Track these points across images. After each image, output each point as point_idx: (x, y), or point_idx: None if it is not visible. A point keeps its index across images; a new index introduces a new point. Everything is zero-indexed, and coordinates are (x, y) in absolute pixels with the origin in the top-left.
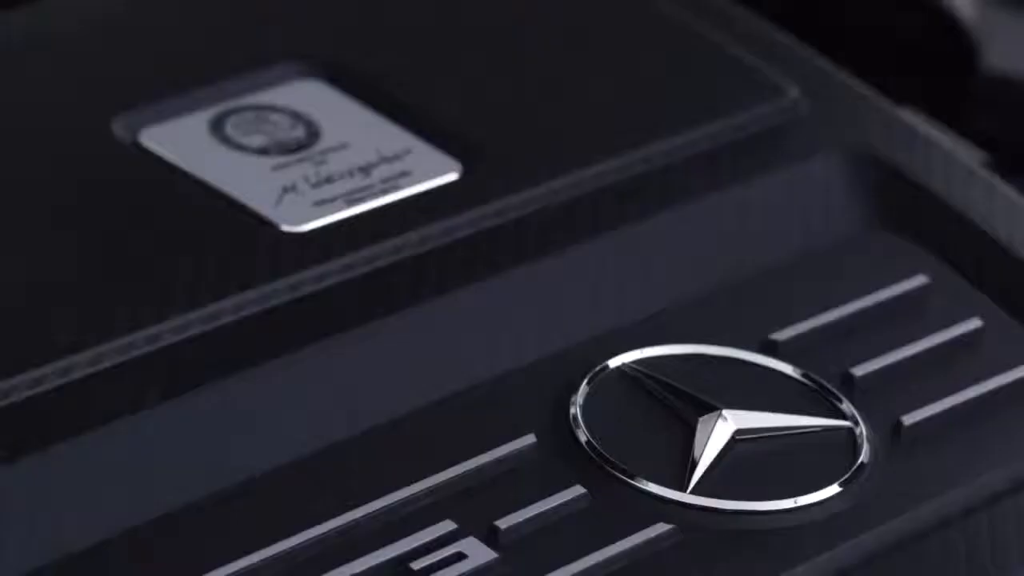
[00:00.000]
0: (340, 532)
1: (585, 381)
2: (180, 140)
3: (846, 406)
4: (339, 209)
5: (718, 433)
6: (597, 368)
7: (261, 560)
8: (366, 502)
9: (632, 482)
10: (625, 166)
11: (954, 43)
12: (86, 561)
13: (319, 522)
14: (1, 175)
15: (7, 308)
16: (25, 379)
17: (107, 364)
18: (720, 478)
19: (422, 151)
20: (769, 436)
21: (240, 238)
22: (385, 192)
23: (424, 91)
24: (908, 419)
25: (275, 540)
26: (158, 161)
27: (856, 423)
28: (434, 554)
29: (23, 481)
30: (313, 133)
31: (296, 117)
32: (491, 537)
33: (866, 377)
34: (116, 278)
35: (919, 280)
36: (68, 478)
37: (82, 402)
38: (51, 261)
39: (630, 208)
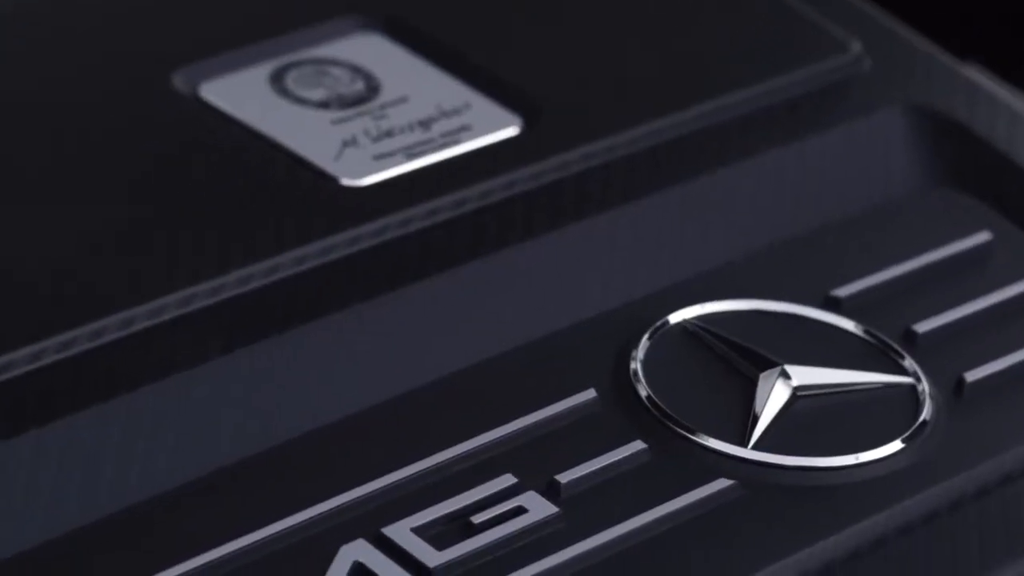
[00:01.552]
0: (401, 486)
1: (646, 336)
2: (240, 93)
3: (908, 362)
4: (399, 163)
5: (779, 389)
6: (658, 323)
7: (322, 513)
8: (427, 456)
9: (693, 437)
10: (686, 121)
11: None
12: (153, 508)
13: (381, 475)
14: (63, 128)
15: (69, 260)
16: (86, 331)
17: (168, 317)
18: (781, 434)
19: (482, 106)
20: (831, 392)
21: (300, 192)
22: (445, 146)
23: (484, 45)
24: (971, 376)
25: (337, 492)
26: (218, 115)
27: (918, 380)
28: (494, 508)
29: (95, 429)
30: (373, 87)
31: (356, 71)
32: (551, 491)
33: (928, 334)
34: (176, 231)
35: (982, 236)
36: (129, 430)
37: (144, 354)
38: (111, 214)
39: (691, 163)
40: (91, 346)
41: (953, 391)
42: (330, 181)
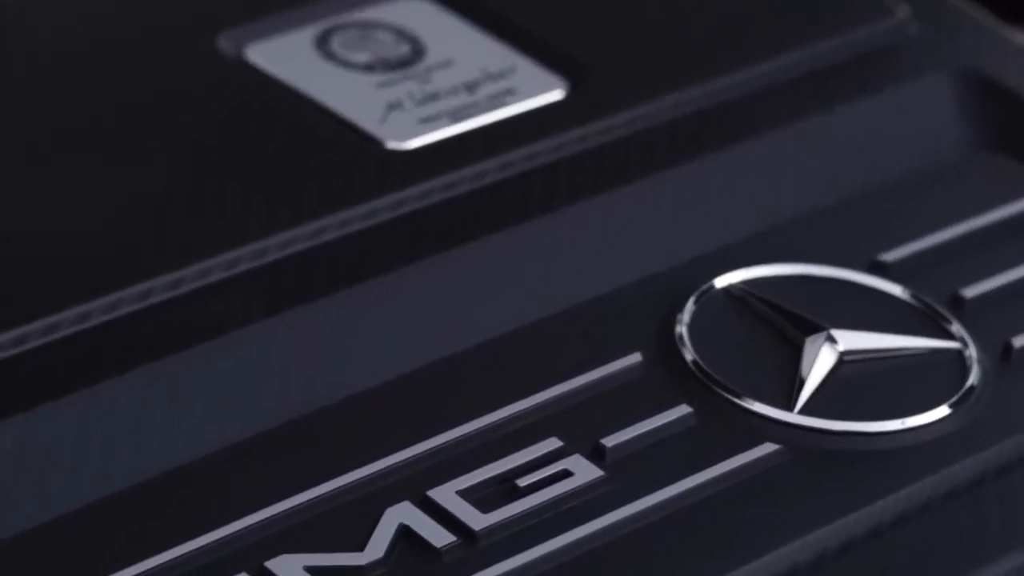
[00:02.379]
0: (447, 448)
1: (691, 300)
2: (285, 56)
3: (955, 327)
4: (444, 126)
5: (825, 354)
6: (703, 288)
7: (367, 475)
8: (473, 419)
9: (738, 402)
10: (732, 85)
11: None
12: (200, 470)
13: (427, 438)
14: (109, 92)
15: (115, 223)
16: (133, 293)
17: (213, 279)
18: (827, 399)
19: (527, 69)
20: (877, 357)
21: (345, 155)
22: (490, 110)
23: (530, 8)
24: (1018, 341)
25: (382, 455)
26: (263, 77)
27: (965, 345)
28: (540, 471)
29: (142, 390)
30: (418, 50)
31: (401, 34)
32: (597, 455)
33: (976, 298)
34: (221, 194)
35: None
36: (175, 392)
37: (189, 317)
38: (156, 177)
39: (737, 127)
40: (138, 308)
41: (1000, 356)
42: (375, 144)
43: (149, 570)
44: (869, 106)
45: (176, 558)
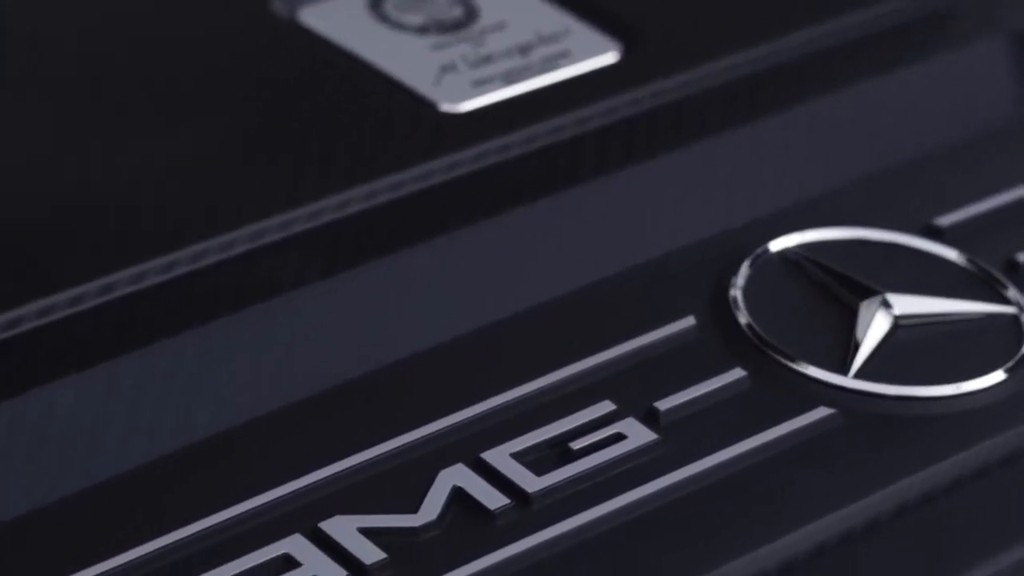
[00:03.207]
0: (500, 411)
1: (745, 264)
2: (339, 18)
3: (1012, 292)
4: (497, 89)
5: (880, 318)
6: (758, 251)
7: (422, 437)
8: (527, 382)
9: (793, 365)
10: (787, 49)
11: None
12: (256, 430)
13: (481, 400)
14: (163, 55)
15: (170, 185)
16: (187, 254)
17: (267, 241)
18: (882, 363)
19: (581, 32)
20: (932, 322)
21: (399, 117)
22: (544, 72)
23: None
24: None
25: (437, 417)
26: (317, 40)
27: (1021, 309)
28: (593, 434)
29: (200, 348)
30: (471, 12)
31: None
32: (650, 418)
33: None
34: (275, 156)
35: None
36: (232, 352)
37: (244, 278)
38: (209, 140)
39: (792, 91)
40: (193, 268)
41: None
42: (428, 107)
43: (206, 529)
44: (925, 69)
45: (231, 519)
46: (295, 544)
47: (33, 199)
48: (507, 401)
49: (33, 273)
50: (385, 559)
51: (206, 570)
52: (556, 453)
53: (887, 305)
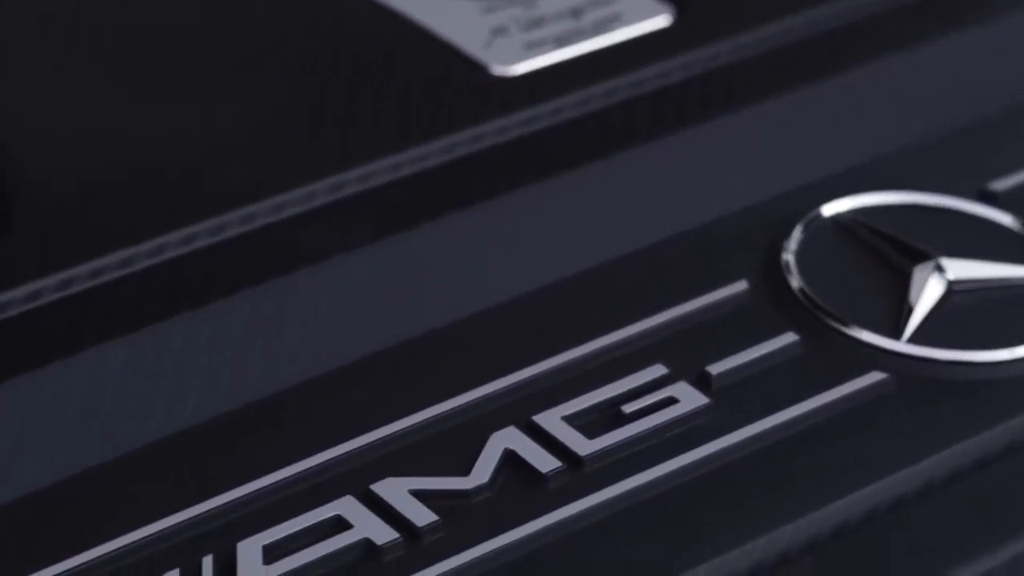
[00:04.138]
0: (552, 374)
1: (798, 228)
2: None
3: None
4: (549, 52)
5: (934, 282)
6: (811, 215)
7: (473, 399)
8: (579, 345)
9: (845, 330)
10: (840, 12)
11: None
12: (307, 392)
13: (533, 363)
14: (216, 18)
15: (222, 146)
16: (237, 216)
17: (317, 203)
18: (936, 328)
19: None
20: (986, 287)
21: (450, 80)
22: (596, 35)
23: None
24: None
25: (489, 380)
26: (369, 2)
27: None
28: (645, 398)
29: (248, 312)
30: None
31: None
32: (702, 382)
33: None
34: (326, 119)
35: None
36: (282, 314)
37: (295, 240)
38: (261, 102)
39: (845, 55)
40: (244, 230)
41: None
42: (480, 70)
43: (259, 491)
44: (979, 33)
45: (284, 480)
46: (347, 506)
47: (84, 160)
48: (559, 364)
49: (84, 235)
50: (436, 521)
51: (259, 531)
52: (608, 416)
53: (941, 269)
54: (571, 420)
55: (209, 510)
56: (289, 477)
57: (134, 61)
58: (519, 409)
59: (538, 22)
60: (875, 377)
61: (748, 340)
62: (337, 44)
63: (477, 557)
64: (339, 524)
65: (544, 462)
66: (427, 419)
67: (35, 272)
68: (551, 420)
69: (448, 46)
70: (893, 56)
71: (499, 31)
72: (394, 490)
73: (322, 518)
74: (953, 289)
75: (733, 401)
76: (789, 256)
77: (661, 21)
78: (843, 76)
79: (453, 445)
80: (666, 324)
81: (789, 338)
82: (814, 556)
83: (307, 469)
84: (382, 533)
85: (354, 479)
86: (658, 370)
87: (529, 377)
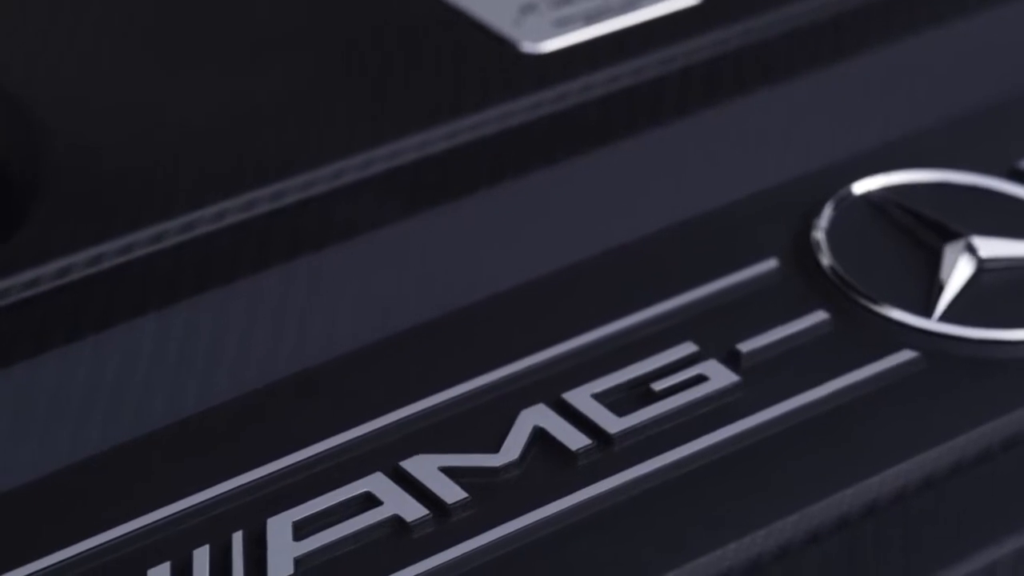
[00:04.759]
0: (582, 352)
1: (829, 206)
2: None
3: None
4: (579, 29)
5: (965, 261)
6: (841, 193)
7: (503, 377)
8: (609, 322)
9: (876, 308)
10: None
11: None
12: (338, 368)
13: (562, 340)
14: None
15: (251, 123)
16: (267, 192)
17: (347, 180)
18: (966, 306)
19: None
20: (1017, 265)
21: (480, 57)
22: (625, 12)
23: None
24: None
25: (518, 357)
26: None
27: None
28: (675, 375)
29: (278, 287)
30: None
31: None
32: (732, 360)
33: None
34: (356, 95)
35: None
36: (315, 291)
37: (325, 217)
38: (291, 78)
39: (877, 32)
40: (275, 206)
41: None
42: (509, 47)
43: (289, 467)
44: (1011, 10)
45: (314, 457)
46: (377, 482)
47: (115, 136)
48: (589, 342)
49: (115, 210)
50: (466, 498)
51: (289, 507)
52: (638, 394)
53: (972, 248)
54: (601, 398)
55: (239, 486)
56: (319, 453)
57: (167, 36)
58: (549, 386)
59: None
60: (905, 355)
61: (778, 318)
62: (367, 21)
63: (506, 534)
64: (369, 501)
65: (574, 440)
66: (457, 396)
67: (66, 248)
68: (581, 398)
69: (478, 23)
70: (925, 33)
71: (529, 8)
72: (424, 467)
73: (352, 494)
74: (984, 267)
75: (763, 379)
76: (819, 234)
77: None
78: (874, 53)
79: (483, 422)
80: (696, 302)
81: (819, 316)
82: (844, 535)
83: (337, 446)
84: (412, 510)
85: (384, 456)
86: (688, 348)
87: (559, 355)
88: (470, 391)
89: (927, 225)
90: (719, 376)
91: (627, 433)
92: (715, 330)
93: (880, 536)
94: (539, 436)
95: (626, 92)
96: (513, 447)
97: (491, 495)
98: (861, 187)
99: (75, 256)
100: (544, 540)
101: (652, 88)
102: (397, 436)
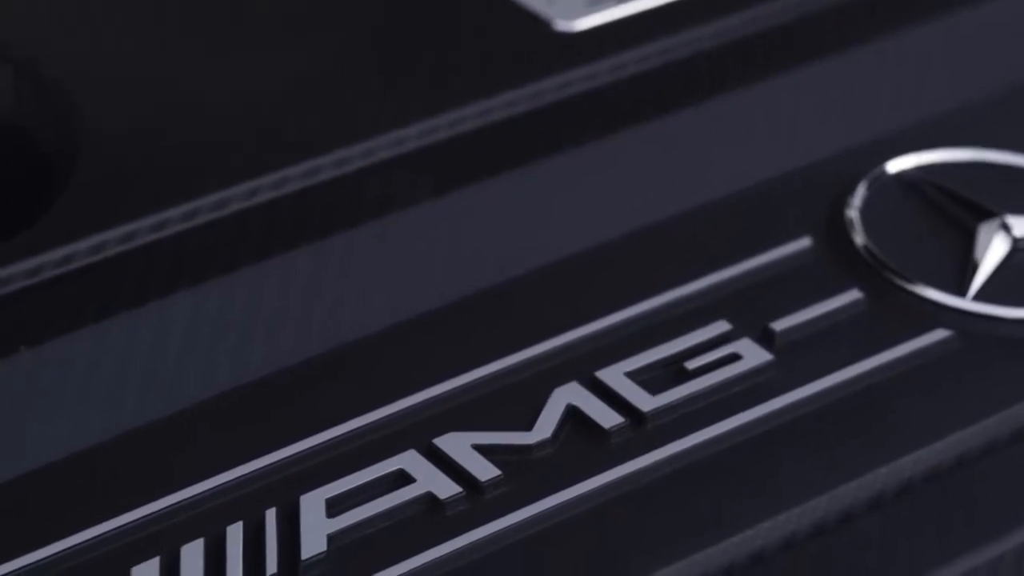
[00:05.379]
0: (615, 330)
1: (862, 184)
2: None
3: None
4: (612, 7)
5: (999, 240)
6: (875, 172)
7: (536, 355)
8: (642, 300)
9: (910, 287)
10: None
11: None
12: (375, 343)
13: (596, 318)
14: None
15: (285, 101)
16: (300, 170)
17: (380, 158)
18: (1001, 285)
19: None
20: None
21: (513, 35)
22: None
23: None
24: None
25: (551, 335)
26: None
27: None
28: (708, 354)
29: (314, 264)
30: None
31: None
32: (766, 339)
33: None
34: (389, 73)
35: None
36: (348, 267)
37: (358, 194)
38: (325, 56)
39: (912, 10)
40: (306, 184)
41: None
42: (543, 25)
43: (322, 444)
44: None
45: (347, 434)
46: (410, 460)
47: (148, 113)
48: (622, 320)
49: (148, 188)
50: (499, 476)
51: (322, 484)
52: (671, 372)
53: (1006, 227)
54: (634, 376)
55: (272, 463)
56: (352, 431)
57: (199, 15)
58: (582, 364)
59: None
60: (939, 335)
61: (812, 297)
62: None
63: (539, 512)
64: (402, 478)
65: (607, 418)
66: (490, 374)
67: (99, 225)
68: (614, 376)
69: (511, 1)
70: (961, 11)
71: None
72: (457, 444)
73: (385, 472)
74: (1018, 247)
75: (796, 358)
76: (853, 212)
77: None
78: (910, 31)
79: (516, 400)
80: (729, 280)
81: (853, 295)
82: (878, 514)
83: (370, 423)
84: (445, 487)
85: (417, 433)
86: (721, 326)
87: (592, 333)
88: (503, 369)
89: (961, 204)
90: (752, 355)
91: (660, 411)
92: (749, 309)
93: (914, 515)
94: (572, 414)
95: (659, 71)
96: (546, 425)
97: (524, 473)
98: (895, 166)
99: (108, 233)
100: (577, 518)
101: (685, 67)
102: (430, 414)
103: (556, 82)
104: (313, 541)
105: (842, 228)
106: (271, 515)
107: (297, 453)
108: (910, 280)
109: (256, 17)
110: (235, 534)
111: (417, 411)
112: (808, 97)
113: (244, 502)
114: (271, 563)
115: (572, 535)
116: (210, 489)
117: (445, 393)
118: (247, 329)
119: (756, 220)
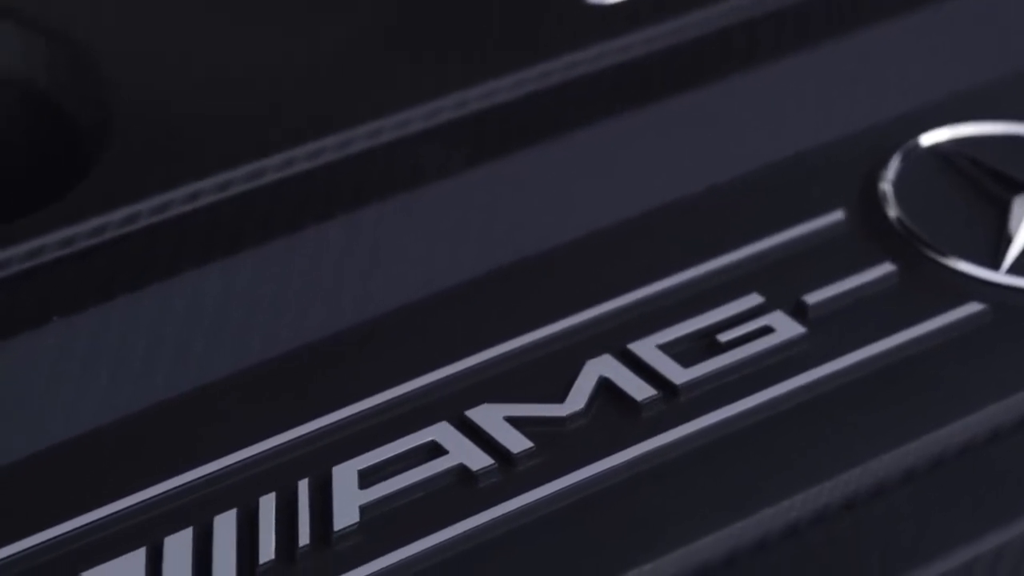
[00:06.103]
0: (648, 302)
1: (896, 157)
2: None
3: None
4: None
5: None
6: (908, 144)
7: (569, 327)
8: (675, 272)
9: (943, 260)
10: None
11: None
12: (403, 318)
13: (626, 291)
14: None
15: (316, 72)
16: (333, 141)
17: (414, 129)
18: None
19: None
20: None
21: (546, 7)
22: None
23: None
24: None
25: (584, 307)
26: None
27: None
28: (741, 327)
29: (343, 237)
30: None
31: None
32: (799, 311)
33: None
34: (421, 46)
35: None
36: (378, 240)
37: (391, 165)
38: (357, 28)
39: None
40: (339, 156)
41: None
42: None
43: (355, 415)
44: None
45: (380, 405)
46: (442, 431)
47: (183, 85)
48: (655, 292)
49: (181, 159)
50: (531, 448)
51: (355, 455)
52: (703, 345)
53: None
54: (666, 348)
55: (305, 434)
56: (385, 402)
57: None
58: (614, 337)
59: None
60: (973, 308)
61: (845, 270)
62: None
63: (571, 484)
64: (434, 450)
65: (639, 390)
66: (523, 346)
67: (132, 196)
68: (646, 348)
69: None
70: None
71: None
72: (489, 416)
73: (417, 443)
74: None
75: (829, 331)
76: (886, 186)
77: None
78: (946, 3)
79: (548, 372)
80: (762, 253)
81: (886, 268)
82: (911, 487)
83: (403, 394)
84: (477, 459)
85: (450, 405)
86: (754, 299)
87: (625, 305)
88: (536, 341)
89: (995, 177)
90: (785, 327)
91: (693, 384)
92: (781, 282)
93: (946, 489)
94: (604, 386)
95: (691, 44)
96: (578, 397)
97: (556, 445)
98: (929, 139)
99: (141, 204)
100: (609, 490)
101: (717, 40)
102: (463, 385)
103: (589, 54)
104: (346, 512)
105: (875, 201)
106: (304, 486)
107: (330, 424)
108: (943, 253)
109: None
110: (268, 505)
111: (449, 383)
112: (843, 69)
113: (277, 473)
114: (304, 534)
115: (604, 507)
116: (242, 460)
117: (477, 365)
118: (280, 300)
119: (789, 193)
